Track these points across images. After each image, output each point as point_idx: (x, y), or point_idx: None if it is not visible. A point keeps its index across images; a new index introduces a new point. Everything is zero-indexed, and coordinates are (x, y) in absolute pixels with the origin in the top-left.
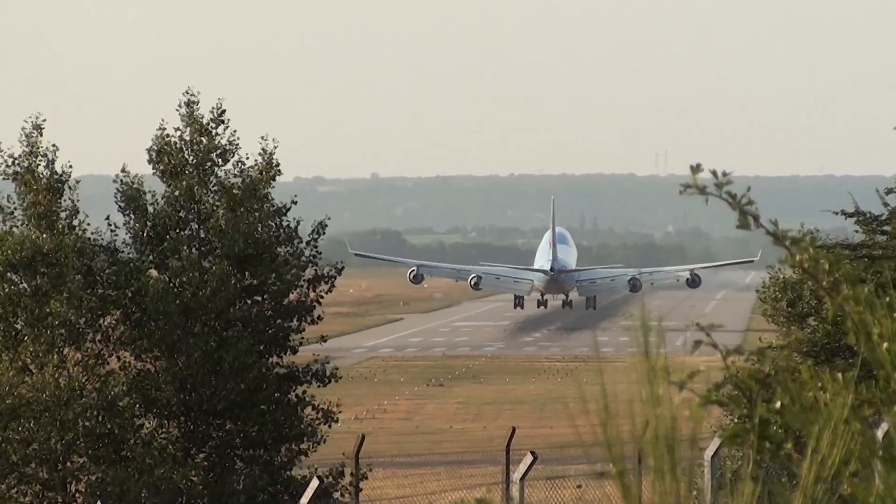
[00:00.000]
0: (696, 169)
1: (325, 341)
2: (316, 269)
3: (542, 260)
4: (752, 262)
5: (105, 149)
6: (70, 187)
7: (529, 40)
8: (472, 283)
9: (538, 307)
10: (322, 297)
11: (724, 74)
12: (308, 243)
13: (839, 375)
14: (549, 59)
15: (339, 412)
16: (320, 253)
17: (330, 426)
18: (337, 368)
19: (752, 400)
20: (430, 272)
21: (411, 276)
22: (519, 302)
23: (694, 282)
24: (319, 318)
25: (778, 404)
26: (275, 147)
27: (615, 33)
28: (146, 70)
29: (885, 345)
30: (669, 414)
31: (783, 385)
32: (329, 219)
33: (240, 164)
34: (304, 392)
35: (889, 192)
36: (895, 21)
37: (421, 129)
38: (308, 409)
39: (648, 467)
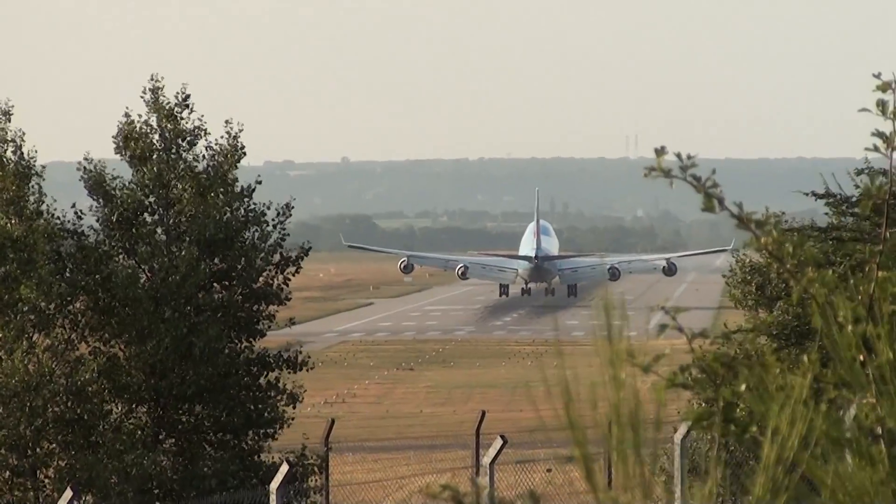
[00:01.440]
0: (660, 152)
1: (293, 324)
2: (282, 252)
3: (526, 249)
4: (725, 250)
5: (72, 135)
6: (37, 173)
7: (499, 24)
8: (460, 272)
9: (522, 295)
10: (289, 280)
11: (694, 58)
12: (275, 226)
13: (804, 357)
14: (518, 44)
15: (304, 392)
16: (288, 234)
17: (294, 407)
18: (309, 357)
19: (717, 383)
20: (420, 262)
21: (401, 266)
22: (504, 290)
23: (670, 270)
24: (288, 297)
25: (742, 387)
26: (240, 130)
27: (585, 17)
28: (112, 57)
29: (850, 327)
30: (633, 397)
31: (747, 368)
32: (294, 199)
33: (208, 148)
34: (277, 379)
35: (859, 173)
36: (863, 2)
37: (391, 113)
38: (276, 394)
39: (614, 451)
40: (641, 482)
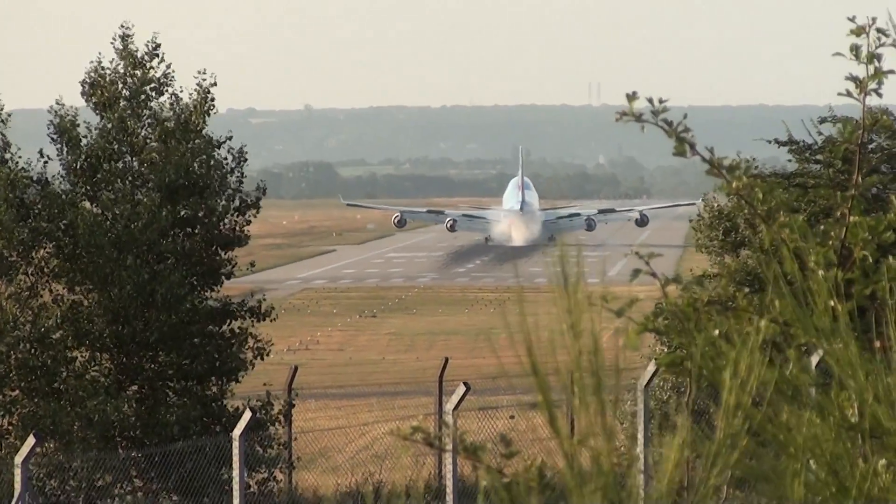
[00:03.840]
0: (632, 97)
1: (253, 267)
2: (241, 196)
3: (511, 202)
4: (693, 204)
5: (38, 83)
6: (3, 121)
7: None
8: (449, 226)
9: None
10: (249, 222)
11: (656, 5)
12: (231, 171)
13: (775, 303)
14: None
15: (271, 345)
16: (245, 177)
17: (262, 359)
18: (273, 308)
19: (689, 329)
20: (413, 217)
21: (395, 220)
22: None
23: (643, 221)
24: (247, 237)
25: (716, 332)
26: (212, 84)
27: None
28: (82, 4)
29: (821, 272)
30: (593, 344)
31: (720, 313)
32: (245, 145)
33: (174, 97)
34: (240, 328)
35: (822, 121)
36: None
37: (353, 60)
38: (240, 342)
39: (575, 398)
40: (604, 428)
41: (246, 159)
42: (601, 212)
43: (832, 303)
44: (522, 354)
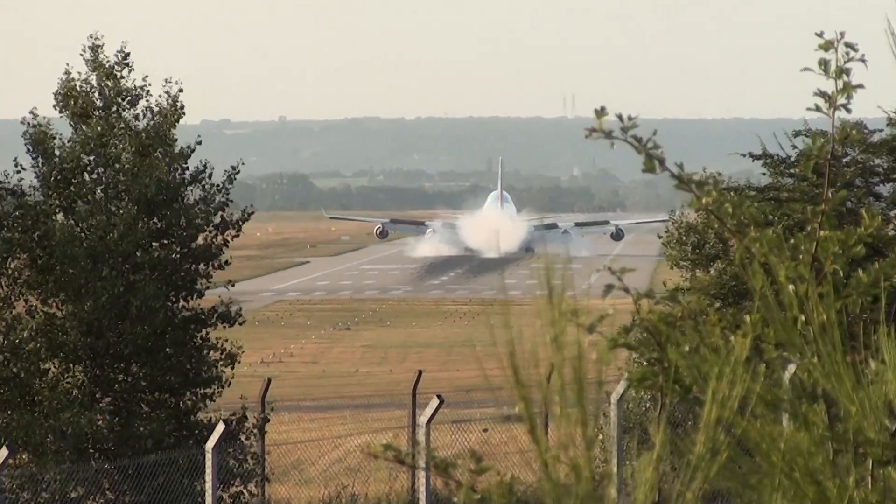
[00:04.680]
0: (600, 113)
1: (232, 286)
2: (223, 216)
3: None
4: (666, 221)
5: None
6: None
7: None
8: (429, 236)
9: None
10: (228, 243)
11: (631, 17)
12: (220, 188)
13: (746, 318)
14: (455, 2)
15: (242, 352)
16: (231, 201)
17: (233, 367)
18: (241, 309)
19: (662, 343)
20: (394, 228)
21: (377, 232)
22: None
23: (618, 235)
24: (227, 262)
25: (686, 347)
26: (179, 90)
27: None
28: (54, 15)
29: (791, 287)
30: (577, 357)
31: (691, 328)
32: (243, 164)
33: (147, 108)
34: (207, 334)
35: (797, 134)
36: None
37: (328, 72)
38: (212, 352)
39: (554, 412)
40: (583, 440)
41: (235, 178)
42: (578, 224)
43: (803, 317)
44: (502, 366)
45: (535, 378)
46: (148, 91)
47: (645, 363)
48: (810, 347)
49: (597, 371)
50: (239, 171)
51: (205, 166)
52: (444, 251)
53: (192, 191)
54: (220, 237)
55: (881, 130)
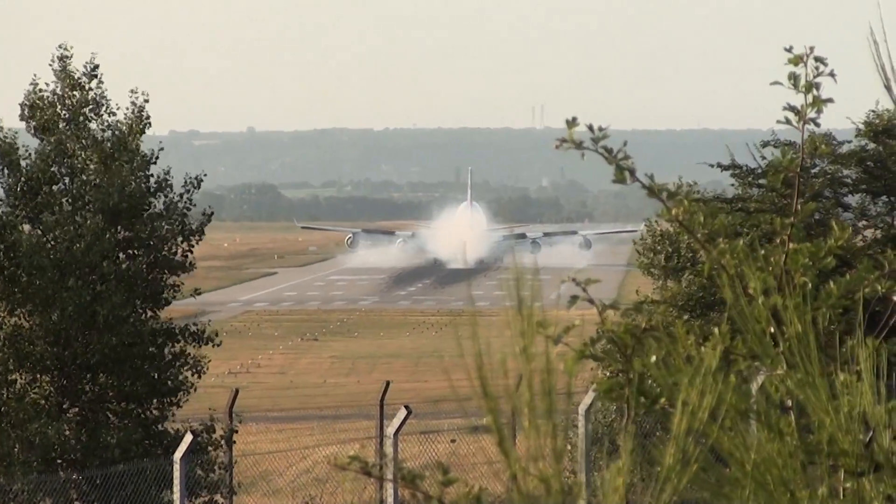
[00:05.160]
0: (571, 123)
1: (198, 294)
2: (185, 222)
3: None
4: (634, 231)
5: None
6: None
7: None
8: (400, 246)
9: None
10: (192, 248)
11: (600, 28)
12: (181, 196)
13: (715, 329)
14: (423, 13)
15: (208, 362)
16: (194, 205)
17: (199, 376)
18: (216, 333)
19: (628, 355)
20: (365, 238)
21: (348, 241)
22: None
23: (587, 244)
24: (192, 264)
25: (653, 359)
26: (145, 101)
27: None
28: (22, 25)
29: (761, 299)
30: (545, 368)
31: (658, 339)
32: (206, 175)
33: (111, 115)
34: (182, 351)
35: (765, 145)
36: None
37: (296, 83)
38: (180, 363)
39: (522, 423)
40: (553, 451)
41: (199, 187)
42: (546, 234)
43: (770, 328)
44: (469, 377)
45: (503, 389)
46: (108, 99)
47: (608, 374)
48: (783, 358)
49: (565, 382)
50: (201, 182)
51: (167, 174)
52: (413, 261)
53: (156, 201)
54: (184, 243)
55: (850, 142)
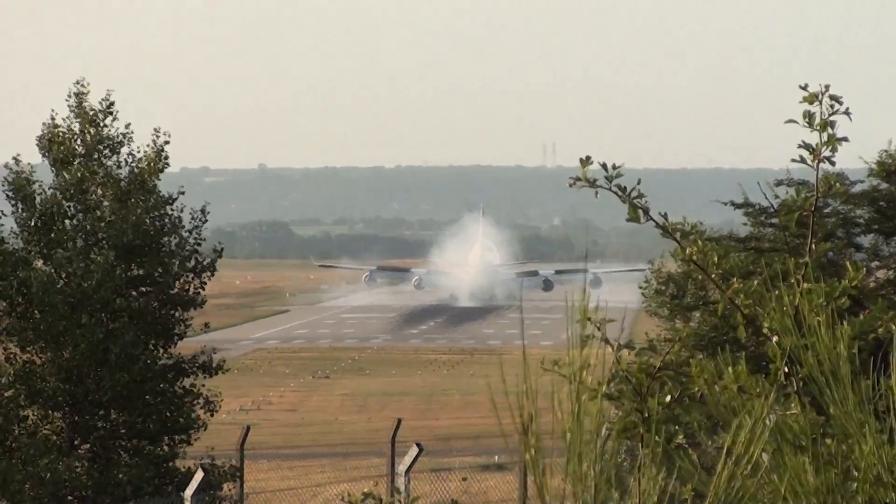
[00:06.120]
0: (585, 162)
1: (208, 328)
2: (196, 258)
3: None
4: (643, 270)
5: None
6: None
7: (415, 31)
8: (416, 283)
9: None
10: (205, 284)
11: (612, 66)
12: (191, 231)
13: (729, 369)
14: (434, 51)
15: (220, 400)
16: (203, 240)
17: (212, 414)
18: (224, 361)
19: (643, 394)
20: (381, 276)
21: (365, 279)
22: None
23: (598, 282)
24: (203, 301)
25: (668, 398)
26: (166, 141)
27: (502, 24)
28: (40, 61)
29: (776, 339)
30: (575, 411)
31: (671, 379)
32: (209, 203)
33: (130, 155)
34: (193, 385)
35: (778, 183)
36: (781, 17)
37: (308, 119)
38: (193, 400)
39: (530, 461)
40: (596, 487)
41: (206, 220)
42: (558, 272)
43: (785, 368)
44: (480, 415)
45: (516, 427)
46: (130, 138)
47: (620, 413)
48: (796, 398)
49: (595, 421)
50: (208, 213)
51: (180, 215)
52: (426, 299)
53: (170, 240)
54: (196, 280)
55: (862, 182)
